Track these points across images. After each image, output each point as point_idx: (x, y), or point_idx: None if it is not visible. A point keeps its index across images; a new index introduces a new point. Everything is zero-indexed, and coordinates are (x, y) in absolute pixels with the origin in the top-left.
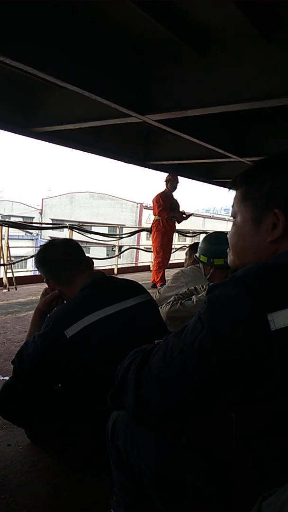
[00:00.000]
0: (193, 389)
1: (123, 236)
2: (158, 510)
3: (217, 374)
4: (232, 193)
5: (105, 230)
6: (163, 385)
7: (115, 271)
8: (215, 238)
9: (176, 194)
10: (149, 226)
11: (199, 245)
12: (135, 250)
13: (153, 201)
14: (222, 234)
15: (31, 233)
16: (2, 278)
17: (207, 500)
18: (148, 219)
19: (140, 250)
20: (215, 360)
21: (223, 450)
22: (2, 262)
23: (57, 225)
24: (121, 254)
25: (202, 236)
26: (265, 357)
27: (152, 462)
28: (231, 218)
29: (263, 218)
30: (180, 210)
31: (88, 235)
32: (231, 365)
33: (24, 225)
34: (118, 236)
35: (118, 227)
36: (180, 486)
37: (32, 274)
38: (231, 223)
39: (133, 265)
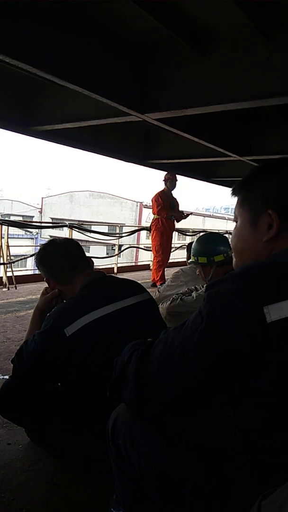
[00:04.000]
0: (192, 382)
1: (123, 235)
2: (158, 509)
3: (216, 366)
4: (234, 198)
5: (105, 229)
6: (163, 377)
7: (115, 270)
8: (209, 238)
9: (175, 193)
10: (149, 225)
11: (193, 248)
12: (135, 249)
13: (152, 200)
14: (214, 234)
15: (31, 232)
16: (2, 277)
17: (207, 499)
18: (148, 218)
19: (140, 249)
20: (214, 353)
21: (223, 449)
22: (2, 261)
23: (56, 224)
24: (121, 253)
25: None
26: (262, 348)
27: (152, 461)
28: (231, 217)
29: (259, 219)
30: (180, 209)
31: (88, 234)
32: (230, 357)
33: (24, 224)
34: (118, 235)
35: (118, 226)
36: (180, 485)
37: (32, 273)
38: (231, 222)
39: (133, 264)
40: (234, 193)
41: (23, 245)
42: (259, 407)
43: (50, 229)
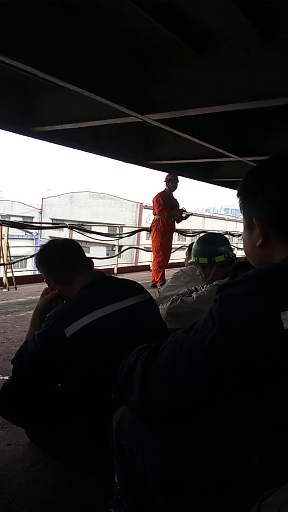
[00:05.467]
0: (201, 387)
1: (123, 235)
2: (162, 510)
3: (227, 372)
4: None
5: (105, 229)
6: (170, 381)
7: (115, 271)
8: (209, 239)
9: (176, 194)
10: (149, 225)
11: (194, 249)
12: (135, 249)
13: (153, 201)
14: (215, 234)
15: (31, 233)
16: (2, 278)
17: (212, 500)
18: (148, 218)
19: (140, 250)
20: (226, 358)
21: (227, 450)
22: (2, 262)
23: (57, 224)
24: (121, 254)
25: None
26: (277, 355)
27: (157, 462)
28: (231, 218)
29: (252, 225)
30: (180, 208)
31: (88, 234)
32: (242, 363)
33: (24, 225)
34: (118, 236)
35: (118, 226)
36: (185, 487)
37: (32, 273)
38: (230, 223)
39: (133, 264)
40: (237, 197)
41: (23, 246)
42: (266, 411)
43: (50, 230)
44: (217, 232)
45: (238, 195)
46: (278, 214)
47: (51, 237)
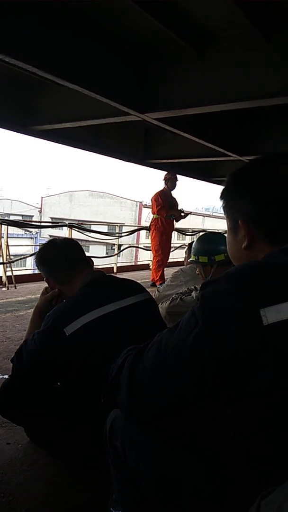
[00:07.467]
0: (187, 385)
1: (123, 234)
2: (156, 511)
3: (211, 369)
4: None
5: (104, 228)
6: (157, 381)
7: (115, 270)
8: (209, 238)
9: (175, 193)
10: (148, 224)
11: (194, 248)
12: (134, 248)
13: (152, 200)
14: (215, 233)
15: (30, 232)
16: (1, 277)
17: (207, 500)
18: (148, 217)
19: (139, 249)
20: (209, 355)
21: (221, 449)
22: (1, 261)
23: (56, 223)
24: (121, 253)
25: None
26: (258, 351)
27: (150, 463)
28: None
29: (237, 227)
30: (179, 208)
31: (88, 233)
32: (225, 360)
33: (24, 224)
34: (117, 235)
35: (117, 225)
36: (179, 487)
37: (32, 272)
38: None
39: (133, 263)
40: (220, 199)
41: (23, 245)
42: (255, 408)
43: (50, 229)
44: (217, 231)
45: (222, 197)
46: (264, 216)
47: (50, 236)
